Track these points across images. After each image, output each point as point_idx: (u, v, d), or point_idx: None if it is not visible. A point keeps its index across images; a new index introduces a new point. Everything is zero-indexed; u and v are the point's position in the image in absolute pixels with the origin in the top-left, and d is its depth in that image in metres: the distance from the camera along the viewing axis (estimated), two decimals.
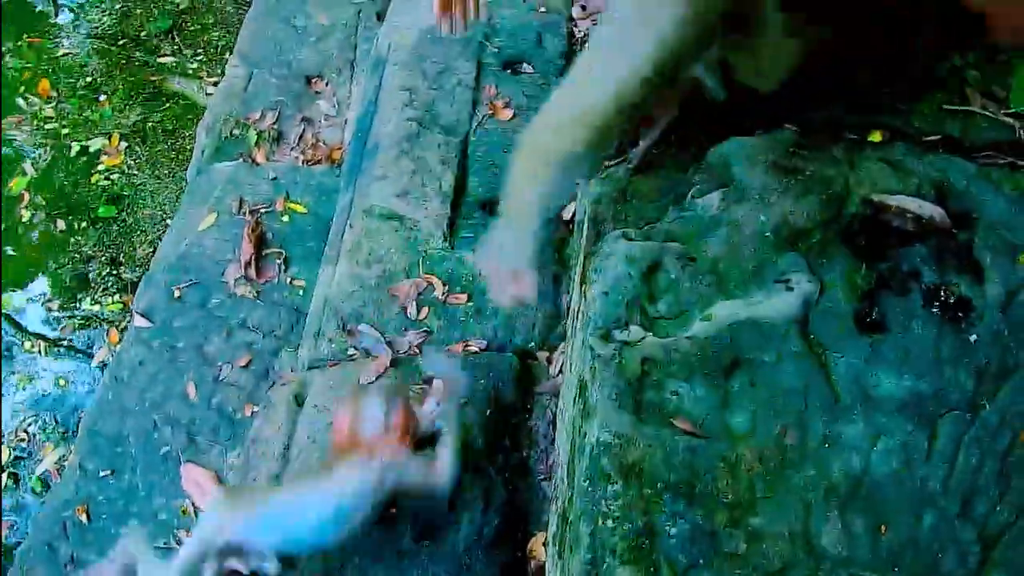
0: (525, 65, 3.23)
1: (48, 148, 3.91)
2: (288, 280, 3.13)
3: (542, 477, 2.39)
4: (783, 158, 2.01)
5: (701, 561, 1.51)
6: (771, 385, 1.71)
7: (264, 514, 2.03)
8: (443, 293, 2.69)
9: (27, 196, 3.83)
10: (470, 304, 2.68)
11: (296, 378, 2.64)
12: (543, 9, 3.39)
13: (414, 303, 2.68)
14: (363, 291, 2.71)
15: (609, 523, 1.56)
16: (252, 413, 2.82)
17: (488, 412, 2.43)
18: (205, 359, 2.97)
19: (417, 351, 2.58)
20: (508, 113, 3.07)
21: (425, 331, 2.62)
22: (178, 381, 2.92)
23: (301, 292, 3.11)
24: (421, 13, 3.36)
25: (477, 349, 2.58)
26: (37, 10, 4.56)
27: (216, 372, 2.93)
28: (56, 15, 4.53)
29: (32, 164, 3.89)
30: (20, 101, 4.08)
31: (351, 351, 2.62)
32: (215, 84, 4.12)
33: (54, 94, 4.09)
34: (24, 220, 3.76)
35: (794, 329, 1.77)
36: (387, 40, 3.34)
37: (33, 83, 4.14)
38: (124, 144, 3.96)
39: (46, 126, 3.98)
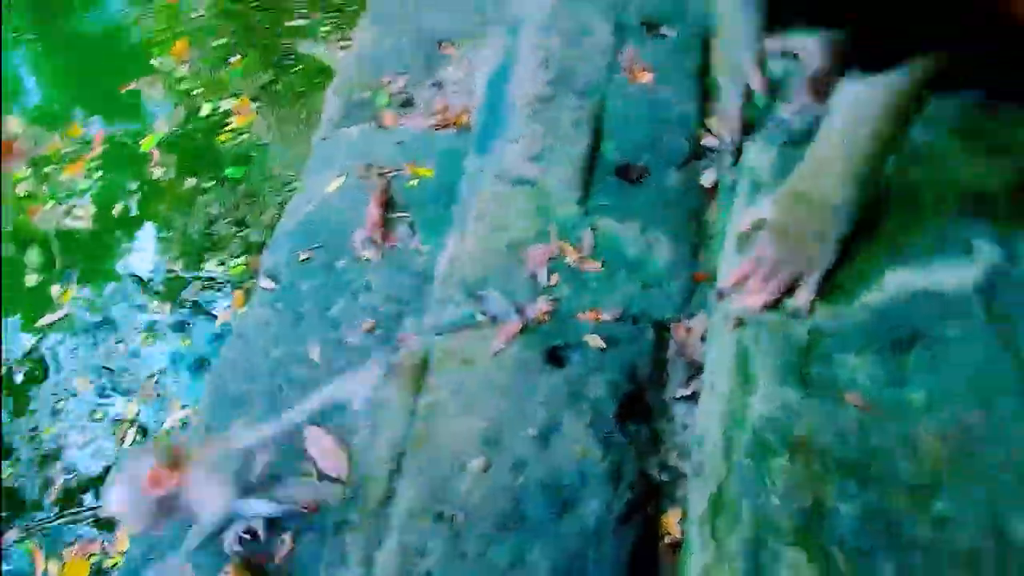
0: (665, 27, 3.09)
1: (179, 108, 3.97)
2: (414, 245, 3.07)
3: (676, 453, 2.27)
4: (967, 120, 1.83)
5: (877, 546, 1.37)
6: (952, 360, 1.55)
7: None
8: (575, 259, 2.59)
9: (157, 154, 3.89)
10: (603, 271, 2.56)
11: (420, 345, 2.57)
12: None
13: (544, 269, 2.58)
14: (492, 256, 2.63)
15: (774, 500, 1.43)
16: None
17: (620, 383, 2.32)
18: (330, 322, 2.94)
19: (546, 318, 2.48)
20: (646, 76, 2.93)
21: (555, 298, 2.52)
22: (302, 343, 2.90)
23: (427, 257, 3.05)
24: None
25: (610, 318, 2.47)
26: None
27: (340, 336, 2.90)
28: None
29: (165, 122, 3.95)
30: (154, 62, 4.15)
31: (479, 317, 2.54)
32: (345, 48, 4.11)
33: (187, 56, 4.15)
34: (153, 178, 3.83)
35: (978, 301, 1.60)
36: (522, 5, 3.24)
37: (167, 45, 4.21)
38: (254, 105, 4.00)
39: (179, 86, 4.05)
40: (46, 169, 3.83)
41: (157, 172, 3.77)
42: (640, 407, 2.33)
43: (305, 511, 2.27)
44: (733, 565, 1.46)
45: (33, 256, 3.52)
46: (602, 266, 2.57)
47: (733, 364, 1.72)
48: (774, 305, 1.77)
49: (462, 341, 2.46)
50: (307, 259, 3.09)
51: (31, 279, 3.46)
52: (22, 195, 3.75)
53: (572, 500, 2.15)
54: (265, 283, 3.04)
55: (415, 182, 3.27)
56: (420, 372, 2.43)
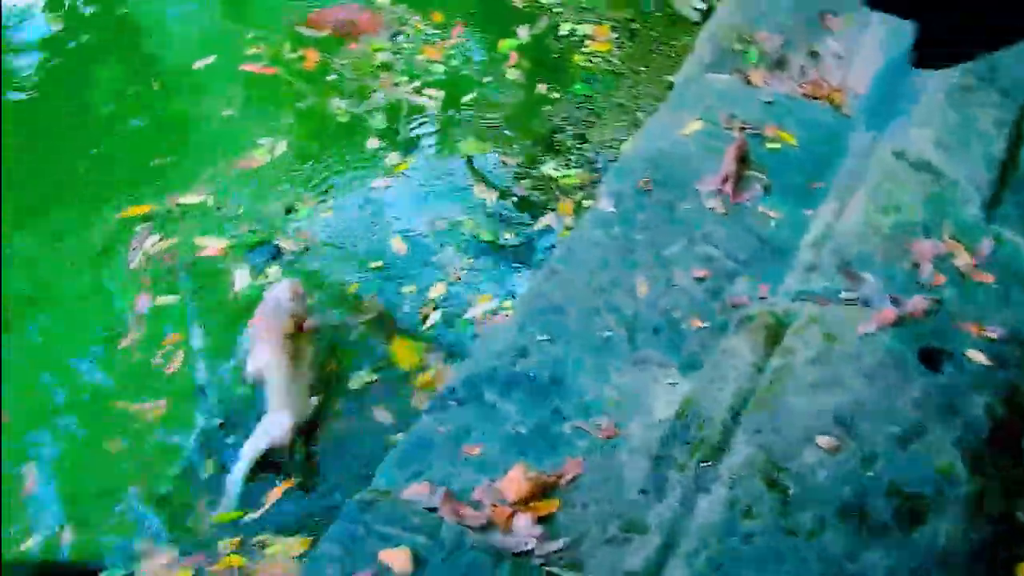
0: None
1: (542, 20, 3.99)
2: (763, 209, 2.91)
3: None
4: None
5: None
6: None
7: None
8: (966, 265, 2.35)
9: (515, 57, 3.90)
10: (996, 286, 2.31)
11: (770, 309, 2.41)
12: None
13: (930, 265, 2.35)
14: (874, 236, 2.43)
15: None
16: (697, 328, 2.64)
17: (997, 408, 2.08)
18: (661, 259, 2.83)
19: (923, 317, 2.26)
20: None
21: (936, 299, 2.29)
22: (629, 273, 2.80)
23: (773, 224, 2.87)
24: None
25: (995, 336, 2.22)
26: None
27: (670, 276, 2.78)
28: None
29: (526, 29, 3.97)
30: None
31: (846, 295, 2.35)
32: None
33: None
34: (507, 78, 3.84)
35: None
36: None
37: None
38: (613, 35, 3.94)
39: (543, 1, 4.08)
40: (405, 46, 3.93)
41: (511, 73, 3.78)
42: (1014, 440, 2.08)
43: None
44: None
45: (378, 121, 3.61)
46: (996, 280, 2.32)
47: None
48: None
49: (825, 313, 2.28)
50: (650, 192, 2.99)
51: (372, 143, 3.55)
52: (377, 64, 3.86)
53: (922, 513, 1.95)
54: (604, 204, 2.96)
55: (777, 145, 3.10)
56: (774, 333, 2.27)
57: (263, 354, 2.89)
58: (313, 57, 3.92)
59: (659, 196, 2.98)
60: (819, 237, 2.49)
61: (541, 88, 3.81)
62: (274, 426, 2.80)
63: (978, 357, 2.16)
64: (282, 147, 3.61)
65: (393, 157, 3.56)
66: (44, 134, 3.73)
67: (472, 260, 3.32)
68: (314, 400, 2.91)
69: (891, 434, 2.03)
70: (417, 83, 3.81)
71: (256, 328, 2.98)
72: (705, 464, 2.05)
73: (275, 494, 2.76)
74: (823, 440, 2.03)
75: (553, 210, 3.44)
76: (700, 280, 2.76)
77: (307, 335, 2.96)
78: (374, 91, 3.79)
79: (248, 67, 3.88)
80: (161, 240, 3.32)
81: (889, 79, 2.86)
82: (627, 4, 4.18)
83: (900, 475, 1.99)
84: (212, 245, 3.30)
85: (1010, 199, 2.44)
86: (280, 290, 2.98)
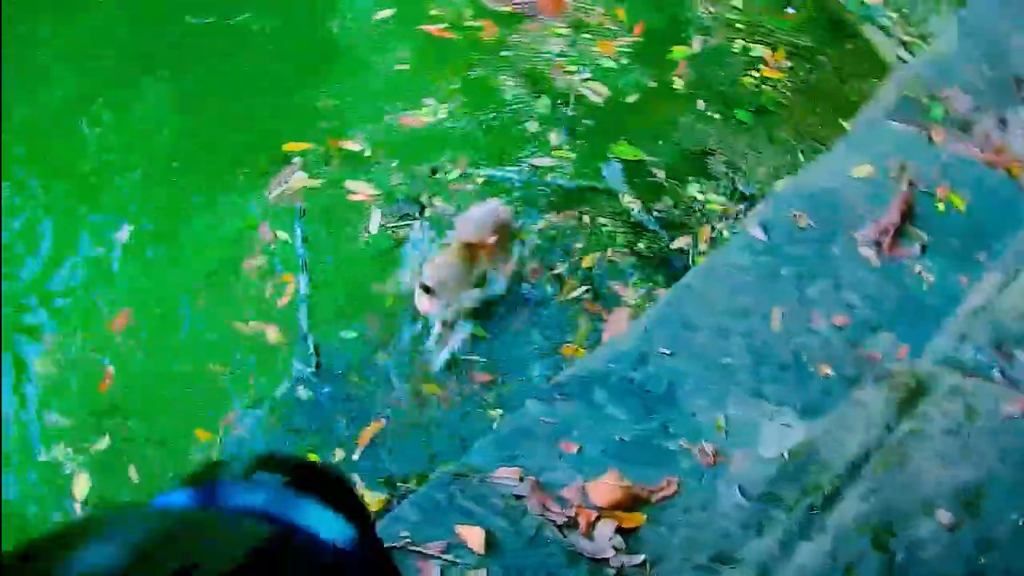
0: None
1: (719, 33, 3.92)
2: (919, 269, 2.80)
3: None
4: None
5: None
6: None
7: None
8: None
9: (683, 66, 3.85)
10: None
11: (911, 369, 2.31)
12: None
13: None
14: None
15: None
16: (825, 375, 2.56)
17: None
18: (802, 297, 2.75)
19: None
20: None
21: None
22: (767, 303, 2.74)
23: (925, 285, 2.76)
24: None
25: None
26: None
27: (808, 316, 2.71)
28: None
29: (700, 40, 3.92)
30: None
31: (996, 373, 2.24)
32: (907, 48, 3.85)
33: None
34: (672, 88, 3.79)
35: None
36: None
37: None
38: (788, 63, 3.83)
39: (726, 15, 4.00)
40: (584, 35, 3.91)
41: (676, 83, 3.72)
42: None
43: None
44: None
45: (541, 105, 3.61)
46: None
47: None
48: None
49: (970, 386, 2.17)
50: (804, 227, 2.91)
51: (532, 125, 3.56)
52: (551, 49, 3.86)
53: None
54: (755, 231, 2.90)
55: (943, 207, 2.97)
56: (912, 394, 2.18)
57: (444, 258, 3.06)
58: (491, 29, 3.95)
59: (813, 234, 2.90)
60: (977, 307, 2.37)
61: (700, 104, 3.74)
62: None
63: None
64: (444, 111, 3.66)
65: (551, 140, 3.56)
66: (225, 57, 3.87)
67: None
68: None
69: (1015, 522, 1.92)
70: (587, 74, 3.78)
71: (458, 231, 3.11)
72: (814, 511, 1.98)
73: (369, 432, 2.82)
74: (943, 514, 1.94)
75: (692, 233, 3.38)
76: (838, 327, 2.67)
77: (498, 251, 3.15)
78: (543, 74, 3.80)
79: (426, 28, 3.94)
80: (308, 178, 3.41)
81: None
82: (817, 31, 4.05)
83: (1019, 567, 1.88)
84: (360, 191, 3.37)
85: None
86: (497, 207, 3.15)
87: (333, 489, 0.73)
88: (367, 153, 3.50)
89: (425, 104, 3.65)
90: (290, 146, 3.49)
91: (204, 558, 0.57)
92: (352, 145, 3.52)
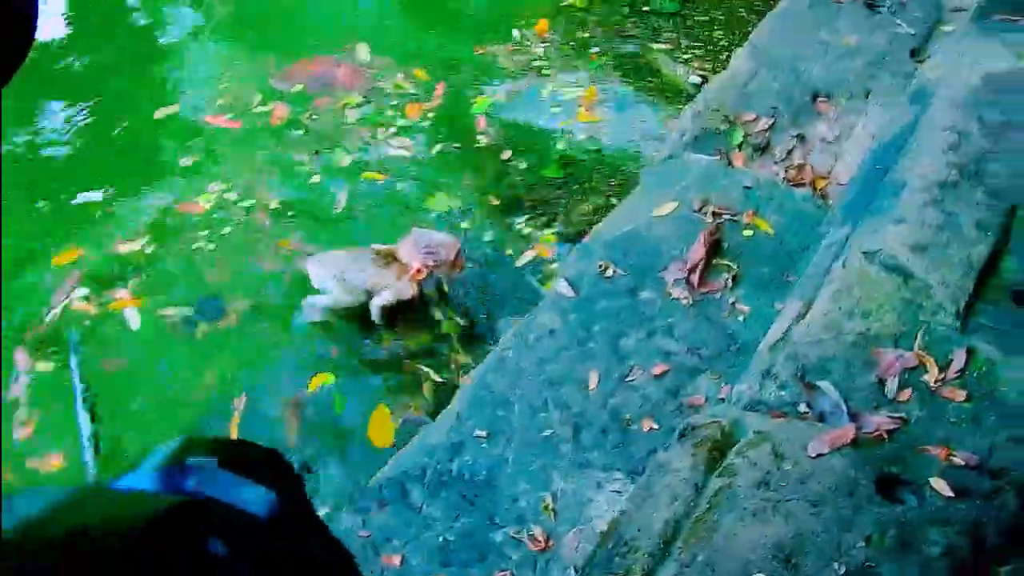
0: None
1: (523, 81, 3.83)
2: (731, 301, 2.71)
3: None
4: None
5: None
6: None
7: None
8: (936, 380, 2.13)
9: (484, 121, 3.74)
10: (967, 405, 2.09)
11: (721, 421, 2.18)
12: None
13: (896, 379, 2.13)
14: (836, 344, 2.21)
15: None
16: (649, 429, 2.44)
17: (958, 548, 1.84)
18: (617, 352, 2.63)
19: (885, 437, 2.04)
20: None
21: (901, 417, 2.07)
22: (582, 367, 2.60)
23: (742, 318, 2.67)
24: (985, 60, 2.79)
25: (963, 463, 1.99)
26: None
27: (625, 371, 2.58)
28: None
29: (504, 92, 3.82)
30: (515, 32, 4.04)
31: (803, 407, 2.14)
32: (703, 77, 3.83)
33: (549, 35, 4.01)
34: (477, 144, 3.66)
35: None
36: (938, 72, 2.81)
37: (532, 21, 4.08)
38: (600, 106, 3.76)
39: (532, 63, 3.91)
40: (389, 102, 3.75)
41: (482, 139, 3.59)
42: None
43: None
44: None
45: (343, 175, 3.43)
46: (968, 398, 2.09)
47: None
48: None
49: (777, 428, 2.06)
50: (612, 276, 2.80)
51: (315, 179, 3.43)
52: (350, 120, 3.68)
53: None
54: (563, 288, 2.77)
55: (751, 233, 2.90)
56: (720, 448, 2.05)
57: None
58: (281, 111, 3.78)
59: (622, 282, 2.79)
60: (778, 340, 2.28)
61: (506, 154, 3.63)
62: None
63: (941, 487, 1.93)
64: (232, 196, 3.47)
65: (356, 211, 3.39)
66: None
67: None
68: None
69: (838, 572, 1.80)
70: (390, 137, 3.64)
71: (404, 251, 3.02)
72: None
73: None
74: None
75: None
76: (657, 377, 2.55)
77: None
78: (338, 147, 3.64)
79: (212, 119, 3.76)
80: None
81: (873, 170, 2.67)
82: (612, 66, 4.02)
83: None
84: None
85: (987, 310, 2.22)
86: (448, 241, 3.06)
87: (260, 463, 0.78)
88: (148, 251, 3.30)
89: (209, 191, 3.46)
90: (64, 256, 3.26)
91: (94, 527, 0.59)
92: (133, 246, 3.30)
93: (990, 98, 2.64)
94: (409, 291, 3.02)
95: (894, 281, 2.28)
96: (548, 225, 3.38)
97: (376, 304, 3.03)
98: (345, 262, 3.04)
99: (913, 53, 3.43)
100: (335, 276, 3.01)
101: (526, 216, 3.42)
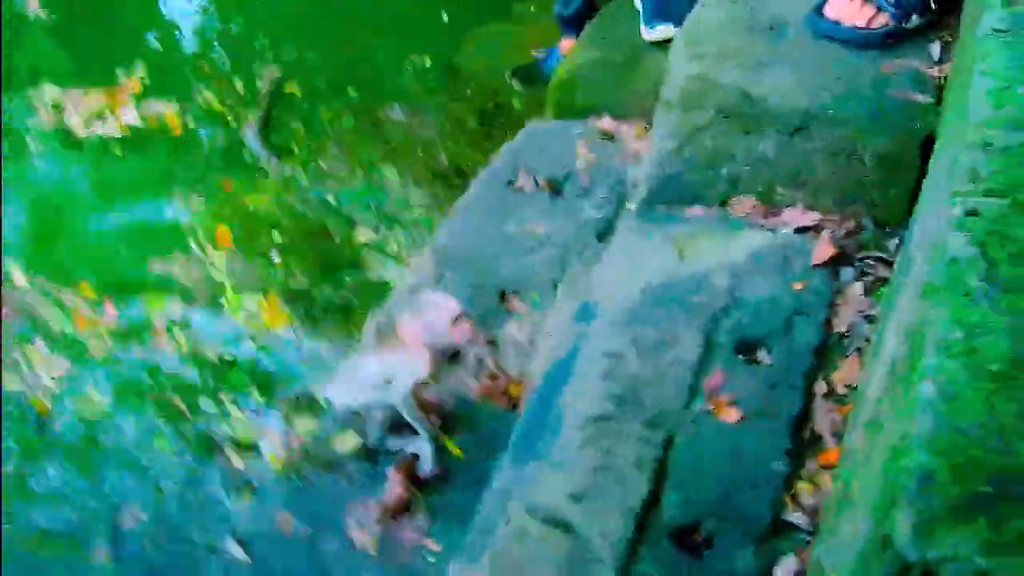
0: (763, 352, 2.62)
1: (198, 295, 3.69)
2: (426, 542, 2.59)
3: None
4: None
5: None
6: None
7: None
8: None
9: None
10: None
11: None
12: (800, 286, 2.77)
13: None
14: None
15: None
16: None
17: None
18: None
19: None
20: (732, 414, 2.43)
21: None
22: None
23: (433, 559, 2.55)
24: (649, 262, 2.84)
25: None
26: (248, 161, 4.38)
27: None
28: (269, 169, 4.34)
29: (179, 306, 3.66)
30: (192, 244, 3.89)
31: None
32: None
33: (229, 246, 3.87)
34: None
35: None
36: (600, 288, 2.84)
37: (212, 230, 3.94)
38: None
39: (210, 276, 3.77)
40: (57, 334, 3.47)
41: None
42: None
43: None
44: None
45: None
46: None
47: None
48: None
49: None
50: (291, 531, 2.62)
51: None
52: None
53: None
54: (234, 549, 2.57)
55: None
56: None
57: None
58: None
59: (300, 533, 2.61)
60: None
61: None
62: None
63: None
64: None
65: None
66: None
67: None
68: None
69: None
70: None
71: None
72: None
73: None
74: None
75: None
76: None
77: None
78: None
79: None
80: None
81: (540, 399, 2.63)
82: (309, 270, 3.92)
83: None
84: None
85: (648, 555, 2.18)
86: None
87: None
88: None
89: None
90: None
91: None
92: None
93: (645, 313, 2.67)
94: None
95: (556, 537, 2.20)
96: None
97: None
98: None
99: (601, 237, 3.49)
100: None
101: None
